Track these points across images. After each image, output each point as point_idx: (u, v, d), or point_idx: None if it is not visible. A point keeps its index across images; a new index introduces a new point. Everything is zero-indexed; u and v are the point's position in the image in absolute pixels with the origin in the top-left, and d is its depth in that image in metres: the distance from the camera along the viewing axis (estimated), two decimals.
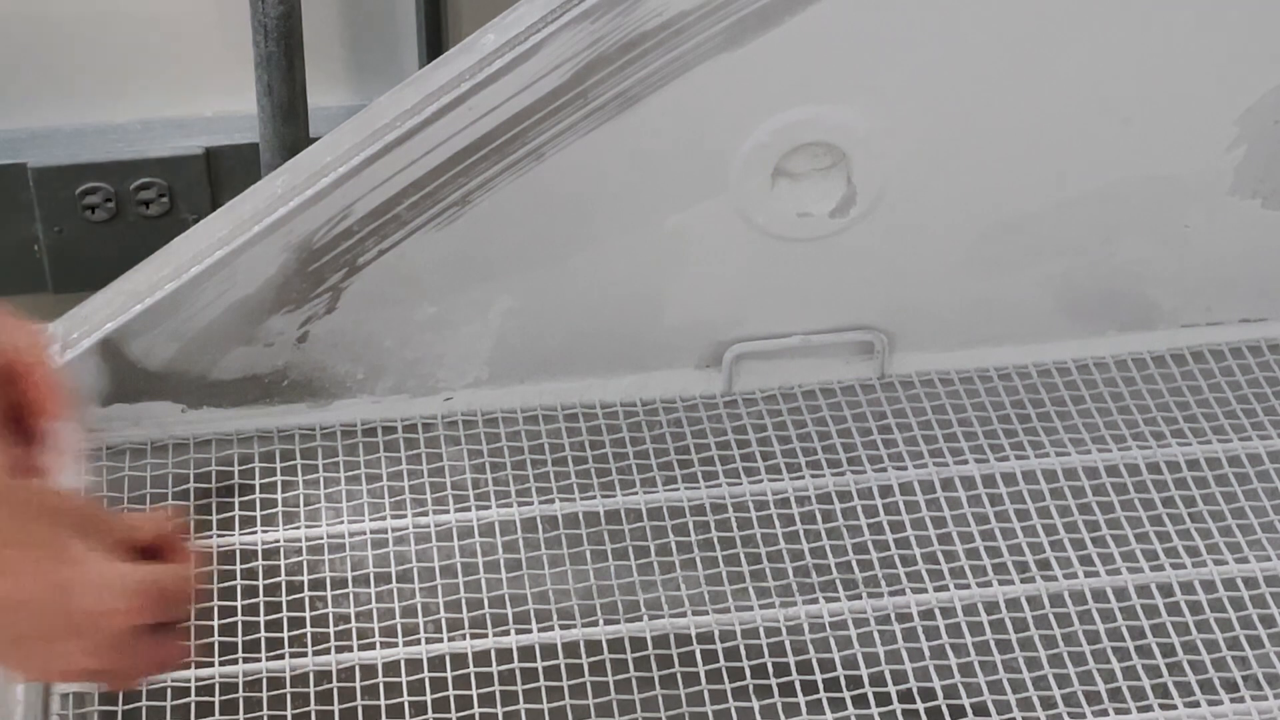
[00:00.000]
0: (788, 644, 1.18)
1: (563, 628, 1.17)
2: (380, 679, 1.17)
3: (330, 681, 1.17)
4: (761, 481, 1.31)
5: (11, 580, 0.84)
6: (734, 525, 1.27)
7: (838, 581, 1.23)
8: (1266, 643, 1.19)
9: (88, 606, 0.85)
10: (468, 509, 1.29)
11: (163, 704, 1.15)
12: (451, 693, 1.16)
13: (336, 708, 1.15)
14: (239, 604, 1.21)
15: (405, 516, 1.29)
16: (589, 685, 1.15)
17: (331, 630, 1.19)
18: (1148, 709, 1.14)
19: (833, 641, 1.19)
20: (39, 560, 0.84)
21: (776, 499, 1.29)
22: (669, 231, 1.35)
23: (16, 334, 0.95)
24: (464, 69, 1.24)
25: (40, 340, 0.96)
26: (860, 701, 1.14)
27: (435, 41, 2.01)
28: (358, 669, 1.18)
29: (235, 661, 1.18)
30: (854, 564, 1.24)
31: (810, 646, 1.18)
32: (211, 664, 1.17)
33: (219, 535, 1.26)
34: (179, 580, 0.88)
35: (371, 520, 1.28)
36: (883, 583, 1.22)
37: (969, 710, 1.15)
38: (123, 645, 0.86)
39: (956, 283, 1.40)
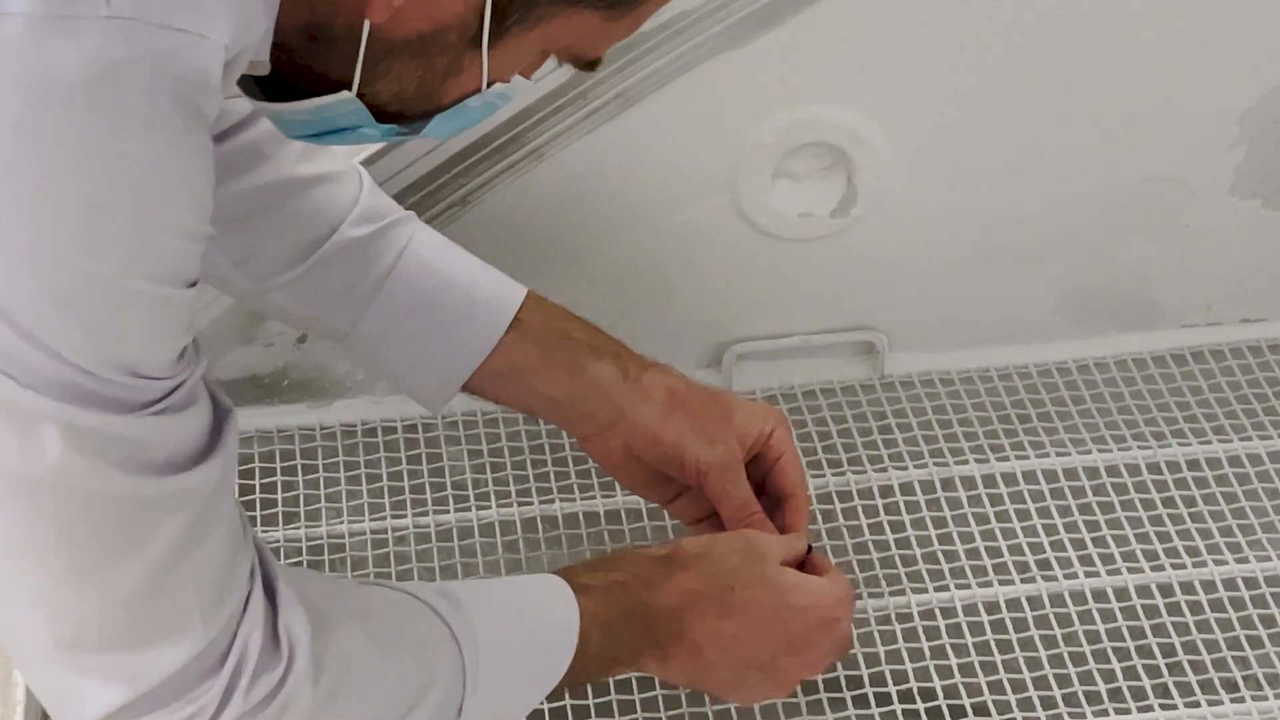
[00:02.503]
0: None
1: None
2: None
3: None
4: None
5: (740, 618, 1.03)
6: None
7: None
8: (1266, 643, 1.19)
9: (810, 622, 1.05)
10: (468, 509, 1.29)
11: None
12: None
13: None
14: None
15: (405, 516, 1.29)
16: (589, 685, 1.15)
17: None
18: (1148, 709, 1.14)
19: None
20: (756, 595, 1.04)
21: None
22: (669, 231, 1.35)
23: (767, 420, 1.13)
24: None
25: (784, 426, 1.14)
26: (860, 701, 1.14)
27: None
28: None
29: None
30: (854, 564, 1.24)
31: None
32: None
33: None
34: (847, 584, 1.08)
35: (371, 520, 1.28)
36: (883, 583, 1.22)
37: (969, 710, 1.15)
38: (843, 646, 1.07)
39: (956, 283, 1.40)
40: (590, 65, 0.89)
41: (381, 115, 0.86)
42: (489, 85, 0.86)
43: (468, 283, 1.11)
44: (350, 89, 0.84)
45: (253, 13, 0.78)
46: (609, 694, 1.15)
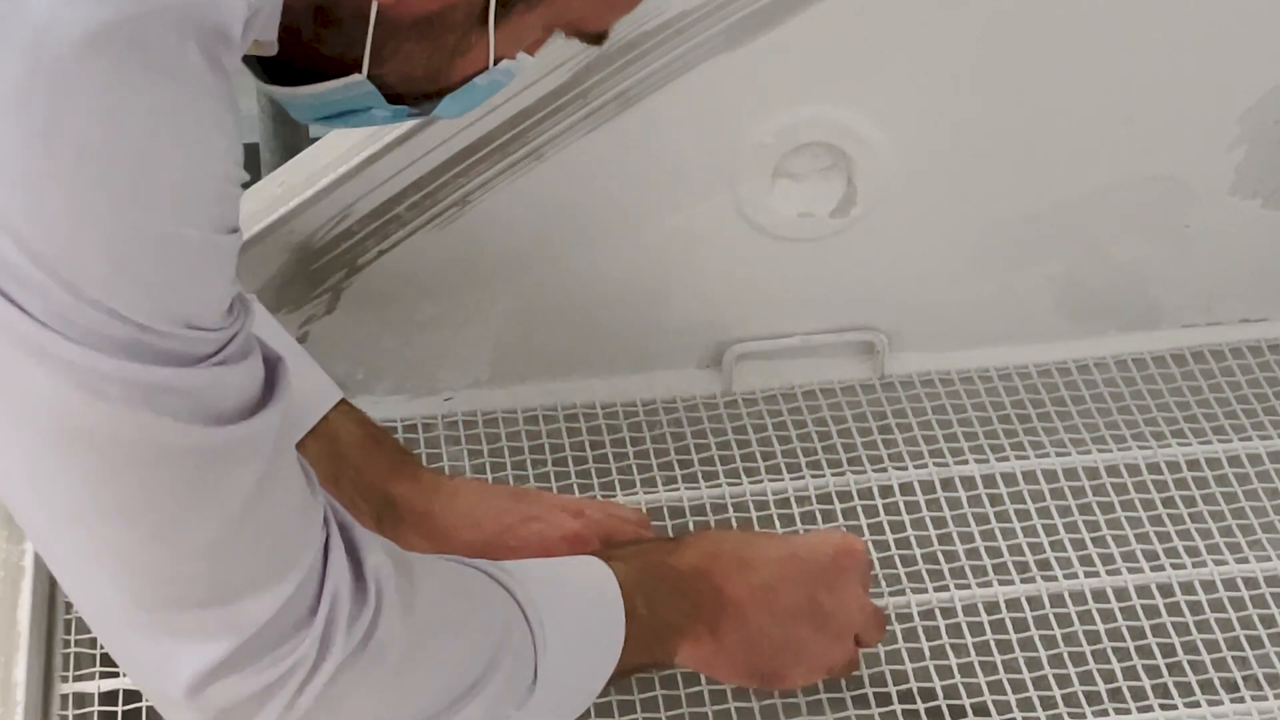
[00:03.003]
0: None
1: None
2: None
3: None
4: (761, 481, 1.31)
5: (763, 567, 1.07)
6: (734, 525, 1.27)
7: None
8: (1266, 643, 1.19)
9: (828, 551, 1.11)
10: None
11: None
12: None
13: None
14: None
15: None
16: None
17: None
18: (1148, 709, 1.14)
19: None
20: (766, 545, 1.10)
21: (776, 499, 1.29)
22: (669, 231, 1.35)
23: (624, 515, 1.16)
24: None
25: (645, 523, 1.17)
26: (860, 702, 1.14)
27: None
28: None
29: None
30: None
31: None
32: None
33: None
34: (884, 619, 1.13)
35: None
36: (883, 583, 1.22)
37: (969, 710, 1.15)
38: (868, 572, 1.13)
39: (956, 283, 1.40)
40: (596, 39, 0.89)
41: (390, 96, 0.86)
42: (496, 63, 0.86)
43: None
44: (361, 71, 0.84)
45: None
46: (609, 694, 1.15)
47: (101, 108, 0.72)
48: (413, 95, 0.87)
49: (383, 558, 0.87)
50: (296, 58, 0.85)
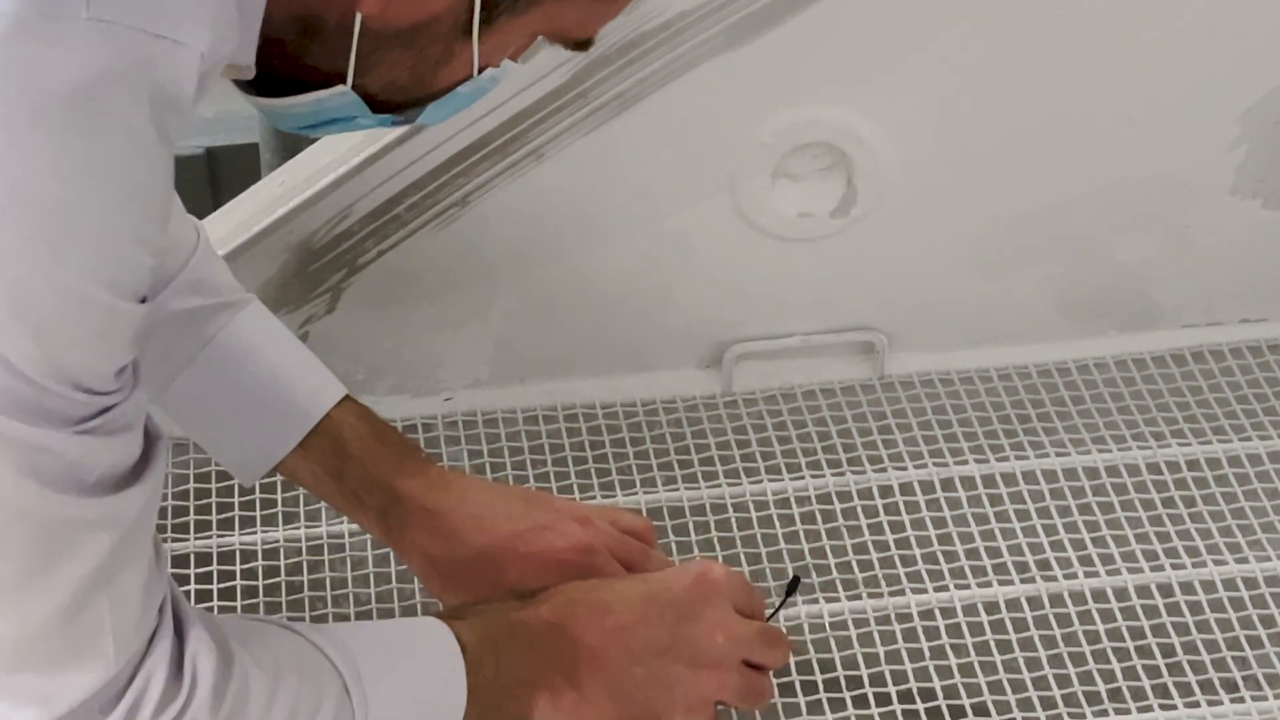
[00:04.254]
0: None
1: None
2: None
3: None
4: (761, 481, 1.31)
5: (618, 609, 1.04)
6: (734, 525, 1.27)
7: (838, 581, 1.23)
8: (1266, 643, 1.18)
9: (684, 583, 1.06)
10: None
11: None
12: None
13: None
14: (239, 605, 1.21)
15: None
16: None
17: None
18: (1148, 709, 1.14)
19: (833, 641, 1.19)
20: (621, 587, 1.07)
21: (776, 499, 1.29)
22: (669, 232, 1.35)
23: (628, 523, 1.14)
24: None
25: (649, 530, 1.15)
26: (860, 702, 1.14)
27: None
28: None
29: None
30: (854, 564, 1.24)
31: (810, 646, 1.18)
32: None
33: (219, 535, 1.26)
34: (776, 635, 1.09)
35: None
36: (883, 583, 1.22)
37: (969, 710, 1.14)
38: (741, 677, 1.06)
39: (956, 283, 1.40)
40: (581, 45, 0.90)
41: (375, 105, 0.86)
42: (480, 71, 0.86)
43: (271, 383, 1.11)
44: (345, 82, 0.84)
45: (229, 24, 0.78)
46: None
47: (43, 156, 0.72)
48: (397, 104, 0.87)
49: (208, 649, 0.86)
50: (280, 68, 0.85)
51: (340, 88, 0.85)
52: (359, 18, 0.82)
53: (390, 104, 0.87)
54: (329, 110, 0.86)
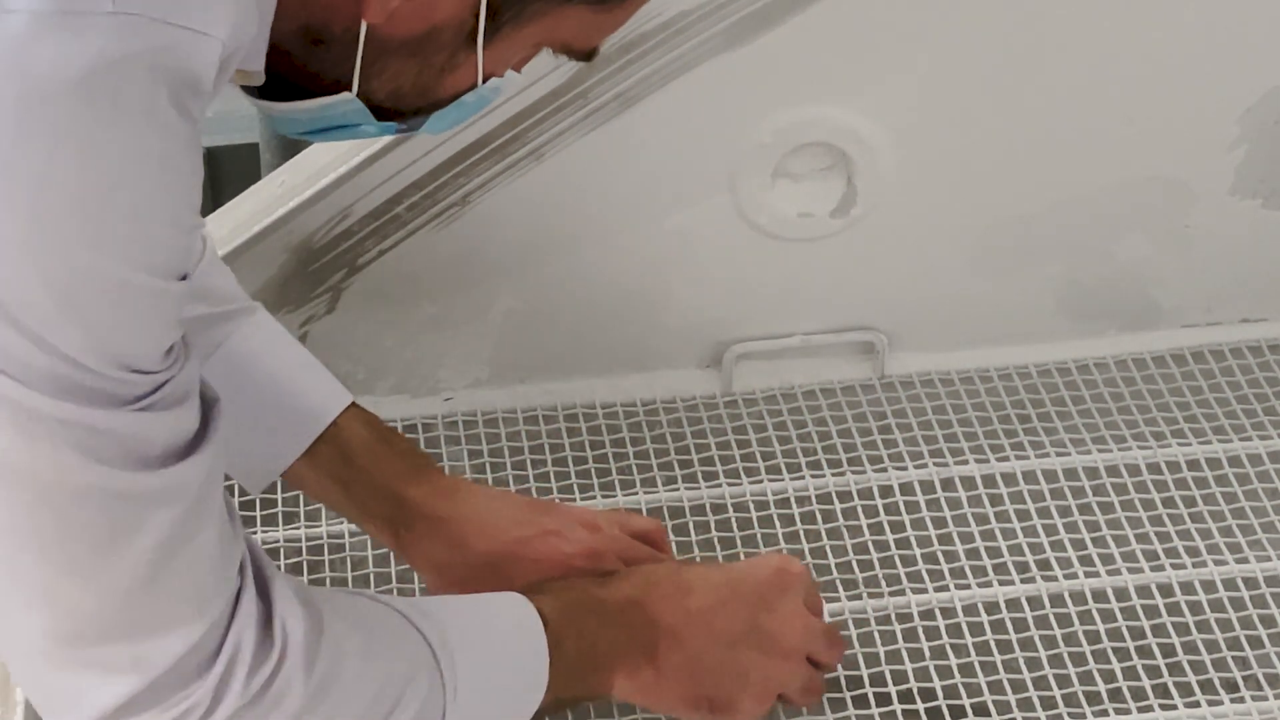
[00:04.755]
0: None
1: None
2: None
3: None
4: (761, 481, 1.31)
5: (700, 591, 1.07)
6: (734, 525, 1.27)
7: (838, 581, 1.23)
8: (1266, 643, 1.18)
9: (766, 572, 1.10)
10: None
11: None
12: None
13: None
14: None
15: None
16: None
17: None
18: (1148, 709, 1.14)
19: None
20: (702, 571, 1.10)
21: (776, 499, 1.29)
22: (669, 231, 1.35)
23: (639, 526, 1.15)
24: None
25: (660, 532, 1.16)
26: (860, 702, 1.14)
27: None
28: None
29: None
30: (854, 564, 1.24)
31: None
32: None
33: None
34: (837, 635, 1.12)
35: None
36: (883, 583, 1.22)
37: (969, 710, 1.14)
38: (810, 592, 1.11)
39: (956, 283, 1.40)
40: (586, 56, 0.90)
41: (380, 112, 0.87)
42: (484, 80, 0.87)
43: (277, 391, 1.11)
44: (350, 90, 0.85)
45: (248, 14, 0.79)
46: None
47: (67, 145, 0.73)
48: (401, 112, 0.88)
49: (294, 608, 0.87)
50: (287, 74, 0.85)
51: (345, 95, 0.85)
52: (364, 26, 0.82)
53: (395, 112, 0.88)
54: (333, 117, 0.87)
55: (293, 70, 0.85)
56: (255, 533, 1.26)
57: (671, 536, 1.26)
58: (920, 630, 1.19)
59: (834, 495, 1.30)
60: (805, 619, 1.09)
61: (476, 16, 0.83)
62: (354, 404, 1.13)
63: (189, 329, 1.08)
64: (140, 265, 0.76)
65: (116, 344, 0.77)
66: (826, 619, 1.18)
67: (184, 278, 0.79)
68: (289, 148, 1.96)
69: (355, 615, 0.92)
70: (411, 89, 0.86)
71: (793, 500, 1.29)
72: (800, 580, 1.10)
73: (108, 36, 0.72)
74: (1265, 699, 1.14)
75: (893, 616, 1.20)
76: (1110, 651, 1.17)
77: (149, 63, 0.73)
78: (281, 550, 1.25)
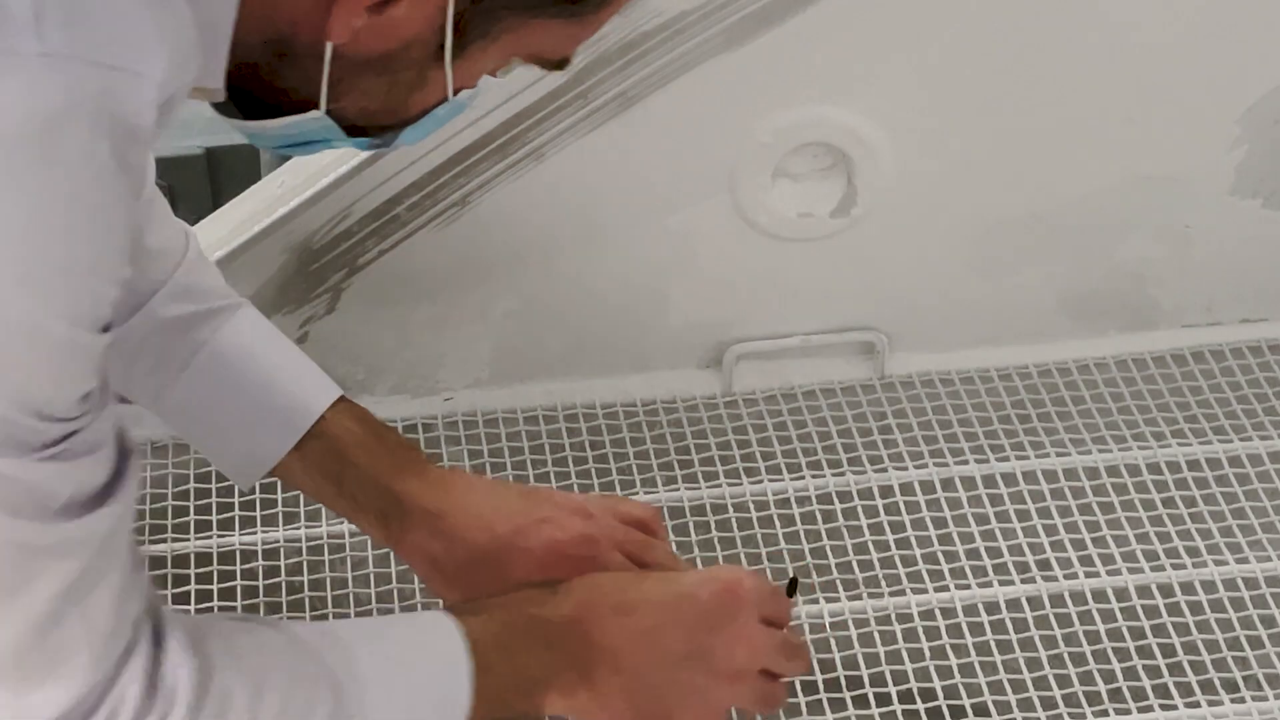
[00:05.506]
0: None
1: None
2: None
3: None
4: (761, 481, 1.31)
5: (642, 610, 1.02)
6: (734, 525, 1.27)
7: (838, 581, 1.23)
8: (1266, 643, 1.19)
9: (714, 591, 1.03)
10: None
11: None
12: None
13: None
14: (239, 605, 1.21)
15: None
16: None
17: None
18: (1148, 709, 1.14)
19: (833, 641, 1.19)
20: (649, 587, 1.04)
21: (776, 499, 1.29)
22: (669, 231, 1.35)
23: (633, 513, 1.12)
24: None
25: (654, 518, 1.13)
26: (860, 702, 1.14)
27: None
28: None
29: None
30: (854, 564, 1.24)
31: (810, 646, 1.18)
32: None
33: (219, 535, 1.26)
34: (797, 647, 1.06)
35: None
36: (883, 583, 1.22)
37: (969, 710, 1.15)
38: (757, 685, 1.04)
39: (957, 283, 1.40)
40: (557, 66, 0.90)
41: (350, 129, 0.87)
42: (455, 94, 0.87)
43: (264, 387, 1.10)
44: (319, 108, 0.85)
45: (186, 48, 0.78)
46: None
47: (4, 193, 0.72)
48: (371, 127, 0.88)
49: (184, 658, 0.85)
50: (255, 89, 0.85)
51: (314, 113, 0.85)
52: (329, 46, 0.82)
53: (365, 128, 0.87)
54: (303, 134, 0.87)
55: (261, 86, 0.85)
56: (255, 533, 1.26)
57: (672, 536, 1.26)
58: (920, 630, 1.19)
59: (834, 495, 1.30)
60: (755, 638, 1.05)
61: (443, 34, 0.82)
62: (344, 398, 1.12)
63: (175, 328, 1.08)
64: (63, 315, 0.75)
65: (29, 390, 0.75)
66: (827, 619, 1.19)
67: (107, 328, 0.78)
68: None
69: (252, 657, 0.90)
70: (380, 105, 0.86)
71: (793, 500, 1.29)
72: (750, 597, 1.05)
73: (42, 82, 0.71)
74: (1265, 699, 1.14)
75: (893, 616, 1.20)
76: (1110, 651, 1.17)
77: (91, 113, 0.72)
78: (282, 550, 1.25)
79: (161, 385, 1.09)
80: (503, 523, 1.09)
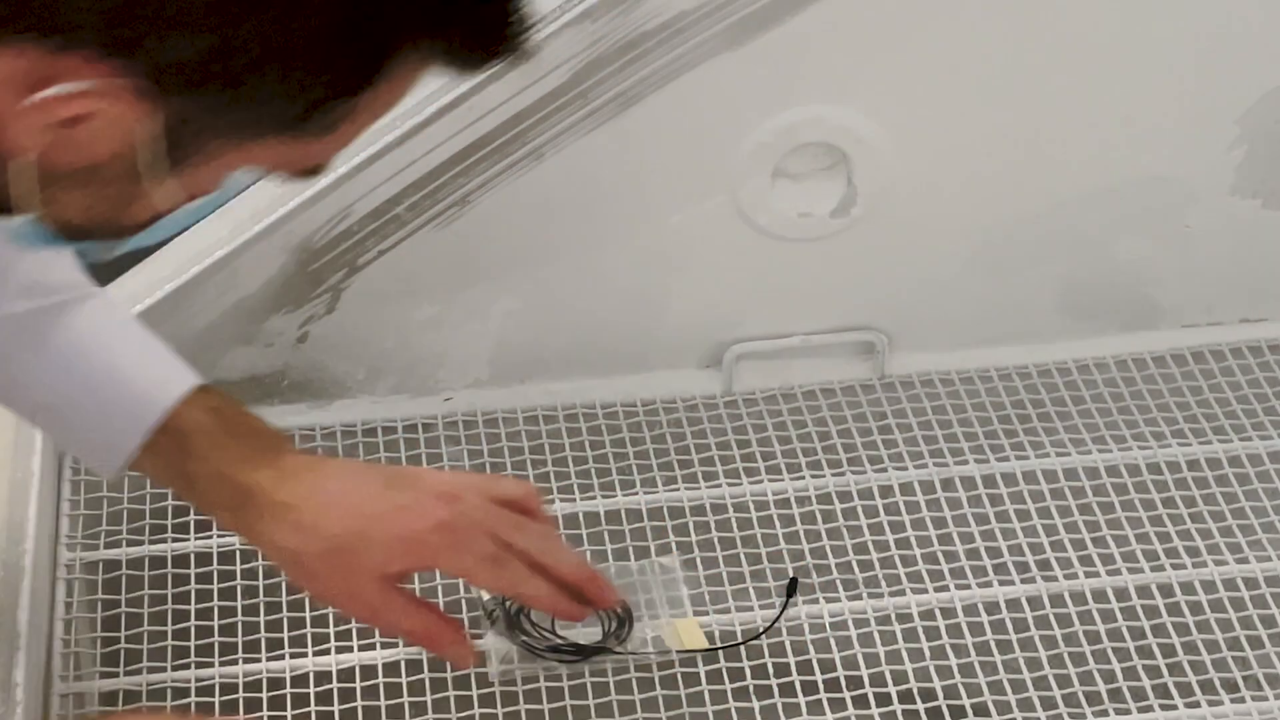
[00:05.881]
0: (788, 644, 1.18)
1: (563, 628, 1.17)
2: (380, 679, 1.17)
3: (330, 682, 1.17)
4: (761, 481, 1.31)
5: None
6: (734, 525, 1.27)
7: (838, 581, 1.23)
8: (1266, 643, 1.19)
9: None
10: None
11: (163, 704, 1.15)
12: (451, 693, 1.16)
13: (336, 708, 1.15)
14: (239, 604, 1.21)
15: None
16: (589, 685, 1.15)
17: (332, 630, 1.19)
18: (1148, 709, 1.14)
19: (833, 641, 1.19)
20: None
21: (776, 499, 1.29)
22: (669, 231, 1.35)
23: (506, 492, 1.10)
24: None
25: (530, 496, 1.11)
26: (860, 702, 1.14)
27: None
28: (358, 669, 1.18)
29: (235, 662, 1.18)
30: (854, 564, 1.24)
31: (810, 646, 1.18)
32: (211, 664, 1.17)
33: (219, 535, 1.26)
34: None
35: None
36: (883, 583, 1.22)
37: (969, 710, 1.15)
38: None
39: (956, 283, 1.40)
40: (309, 175, 0.85)
41: (77, 232, 0.84)
42: (191, 199, 0.83)
43: (110, 381, 1.07)
44: (21, 214, 0.81)
45: None
46: (609, 694, 1.15)
47: None
48: (99, 233, 0.84)
49: None
50: None
51: (27, 218, 0.82)
52: (14, 163, 0.78)
53: (92, 232, 0.84)
54: (28, 236, 0.83)
55: None
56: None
57: (672, 536, 1.26)
58: (920, 630, 1.19)
59: (834, 495, 1.30)
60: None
61: (148, 151, 0.78)
62: (201, 388, 1.07)
63: (20, 324, 1.05)
64: None
65: None
66: (827, 619, 1.19)
67: None
68: None
69: None
70: (101, 215, 0.82)
71: (793, 500, 1.29)
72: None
73: None
74: (1265, 699, 1.14)
75: (893, 616, 1.20)
76: (1110, 651, 1.17)
77: None
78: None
79: (11, 380, 1.07)
80: (358, 512, 1.06)
